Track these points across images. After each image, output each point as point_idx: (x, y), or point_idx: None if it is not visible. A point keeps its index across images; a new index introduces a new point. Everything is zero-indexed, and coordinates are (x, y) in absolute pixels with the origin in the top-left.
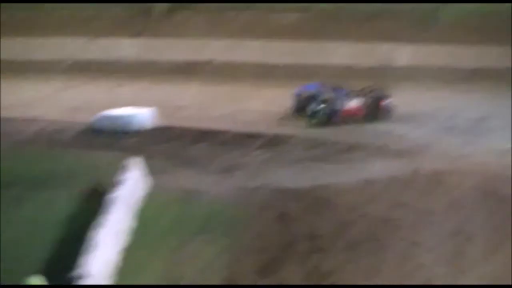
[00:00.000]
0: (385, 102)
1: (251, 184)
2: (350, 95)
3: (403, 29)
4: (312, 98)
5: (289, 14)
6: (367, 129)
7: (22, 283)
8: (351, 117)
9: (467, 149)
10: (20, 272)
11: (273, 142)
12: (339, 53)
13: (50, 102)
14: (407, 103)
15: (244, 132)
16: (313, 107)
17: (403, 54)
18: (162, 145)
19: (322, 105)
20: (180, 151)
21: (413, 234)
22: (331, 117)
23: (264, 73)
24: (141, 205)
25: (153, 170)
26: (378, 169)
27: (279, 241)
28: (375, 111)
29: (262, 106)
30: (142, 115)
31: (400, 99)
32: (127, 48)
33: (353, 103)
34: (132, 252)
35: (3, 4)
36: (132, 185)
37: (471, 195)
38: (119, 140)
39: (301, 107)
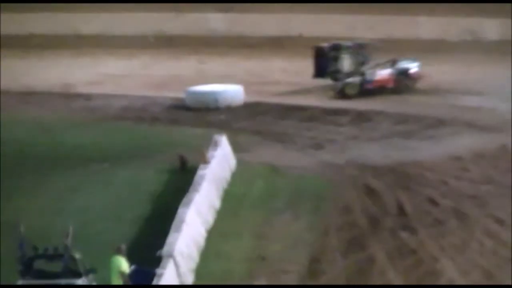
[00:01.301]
0: (413, 71)
1: (338, 159)
2: (379, 66)
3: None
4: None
5: None
6: (453, 103)
7: (108, 260)
8: (383, 87)
9: None
10: (107, 248)
11: (360, 118)
12: (427, 27)
13: (137, 77)
14: (496, 79)
15: (331, 107)
16: (348, 80)
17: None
18: (250, 121)
19: (357, 78)
20: (267, 127)
21: (498, 211)
22: (363, 87)
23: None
24: (229, 181)
25: (241, 146)
26: (465, 144)
27: (366, 217)
28: (405, 80)
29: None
30: (230, 91)
31: (488, 74)
32: (214, 22)
33: (384, 73)
34: (220, 229)
35: None
36: (220, 162)
37: None
38: (207, 116)
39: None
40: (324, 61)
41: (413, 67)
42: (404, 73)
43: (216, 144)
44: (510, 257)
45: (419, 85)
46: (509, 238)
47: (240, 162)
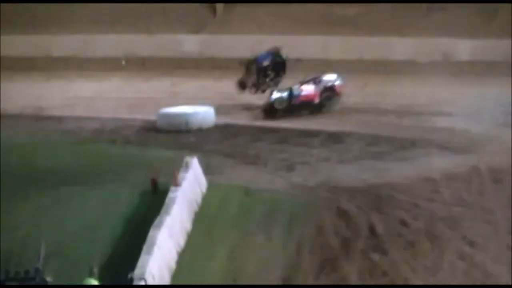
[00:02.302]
0: (338, 86)
1: (310, 181)
2: (304, 82)
3: (461, 23)
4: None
5: (351, 7)
6: (425, 125)
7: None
8: (310, 102)
9: None
10: (78, 269)
11: (332, 139)
12: (398, 48)
13: (109, 99)
14: (468, 97)
15: (303, 129)
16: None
17: (462, 49)
18: (221, 143)
19: (285, 93)
20: (239, 149)
21: (470, 233)
22: (291, 101)
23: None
24: (200, 203)
25: (213, 168)
26: (437, 165)
27: (338, 239)
28: (330, 95)
29: None
30: (201, 113)
31: (460, 94)
32: (187, 44)
33: (309, 89)
34: (192, 251)
35: None
36: (192, 184)
37: None
38: (178, 138)
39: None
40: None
41: (337, 81)
42: (329, 88)
43: (187, 166)
44: (482, 279)
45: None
46: (481, 260)
47: (212, 184)
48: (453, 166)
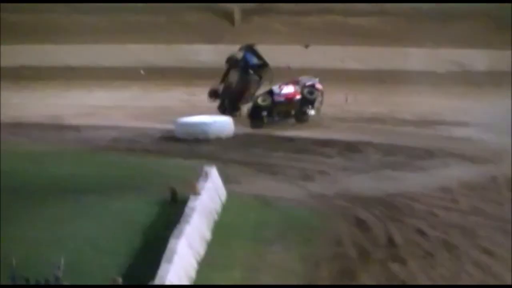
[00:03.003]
0: (319, 85)
1: (328, 191)
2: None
3: (478, 33)
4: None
5: (367, 18)
6: (442, 134)
7: None
8: (291, 99)
9: None
10: (98, 279)
11: (349, 149)
12: (415, 59)
13: (128, 108)
14: (485, 107)
15: (322, 139)
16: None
17: (478, 59)
18: (240, 152)
19: (267, 100)
20: (258, 158)
21: (488, 242)
22: (274, 99)
23: (340, 79)
24: (219, 213)
25: (231, 177)
26: (454, 175)
27: (356, 249)
28: (312, 91)
29: (338, 112)
30: (219, 122)
31: (477, 104)
32: (204, 54)
33: (290, 88)
34: (211, 260)
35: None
36: (211, 193)
37: None
38: (197, 147)
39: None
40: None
41: (316, 82)
42: (311, 86)
43: (206, 176)
44: None
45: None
46: (499, 270)
47: (230, 194)
48: (470, 175)
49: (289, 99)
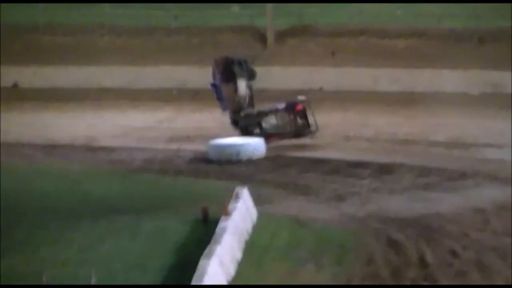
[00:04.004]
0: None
1: (361, 211)
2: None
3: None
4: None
5: (402, 40)
6: (475, 156)
7: None
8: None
9: None
10: None
11: (382, 170)
12: (449, 80)
13: (161, 130)
14: None
15: (354, 160)
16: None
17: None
18: (271, 173)
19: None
20: (290, 179)
21: None
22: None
23: (373, 100)
24: (251, 233)
25: (263, 198)
26: (487, 196)
27: (388, 268)
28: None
29: (371, 134)
30: (251, 144)
31: (510, 126)
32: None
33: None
34: (242, 281)
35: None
36: (242, 214)
37: None
38: (229, 168)
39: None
40: None
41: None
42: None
43: (237, 197)
44: None
45: None
46: None
47: (262, 214)
48: (503, 197)
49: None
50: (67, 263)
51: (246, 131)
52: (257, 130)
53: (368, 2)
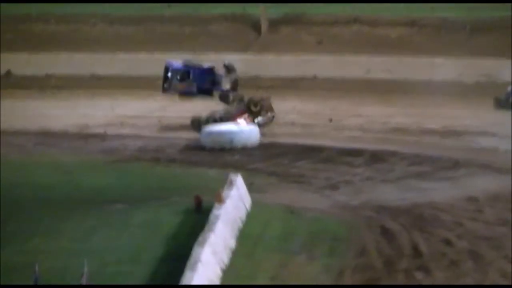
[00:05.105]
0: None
1: (354, 200)
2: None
3: (505, 44)
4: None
5: (395, 29)
6: (469, 145)
7: None
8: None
9: None
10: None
11: (375, 159)
12: (443, 69)
13: (153, 118)
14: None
15: (347, 148)
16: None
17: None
18: (265, 161)
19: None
20: (283, 168)
21: None
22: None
23: (366, 89)
24: (244, 222)
25: (256, 186)
26: (481, 185)
27: (381, 259)
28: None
29: (364, 122)
30: (245, 131)
31: (504, 115)
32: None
33: (244, 119)
34: (235, 269)
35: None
36: (235, 202)
37: None
38: (222, 156)
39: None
40: None
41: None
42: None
43: (231, 185)
44: None
45: None
46: None
47: (255, 203)
48: (496, 186)
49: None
50: (59, 253)
51: None
52: None
53: None
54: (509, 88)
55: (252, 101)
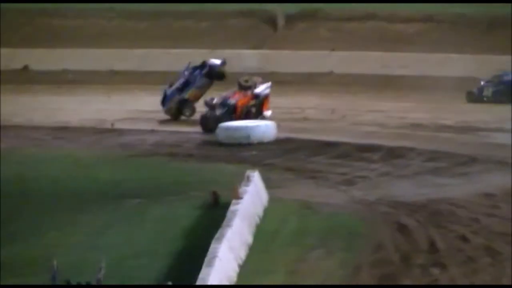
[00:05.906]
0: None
1: (370, 196)
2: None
3: None
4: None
5: (411, 24)
6: (485, 141)
7: None
8: (247, 104)
9: None
10: (140, 281)
11: (391, 154)
12: (458, 65)
13: None
14: None
15: (363, 144)
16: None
17: None
18: (282, 157)
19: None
20: (300, 163)
21: None
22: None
23: (382, 85)
24: (261, 217)
25: (273, 182)
26: (497, 181)
27: (397, 254)
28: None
29: (381, 118)
30: (262, 127)
31: None
32: (248, 59)
33: (242, 95)
34: (252, 265)
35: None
36: (252, 197)
37: None
38: (239, 151)
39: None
40: None
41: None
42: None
43: (248, 180)
44: None
45: None
46: None
47: (272, 198)
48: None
49: (243, 105)
50: (76, 248)
51: None
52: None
53: None
54: (482, 82)
55: (242, 79)
